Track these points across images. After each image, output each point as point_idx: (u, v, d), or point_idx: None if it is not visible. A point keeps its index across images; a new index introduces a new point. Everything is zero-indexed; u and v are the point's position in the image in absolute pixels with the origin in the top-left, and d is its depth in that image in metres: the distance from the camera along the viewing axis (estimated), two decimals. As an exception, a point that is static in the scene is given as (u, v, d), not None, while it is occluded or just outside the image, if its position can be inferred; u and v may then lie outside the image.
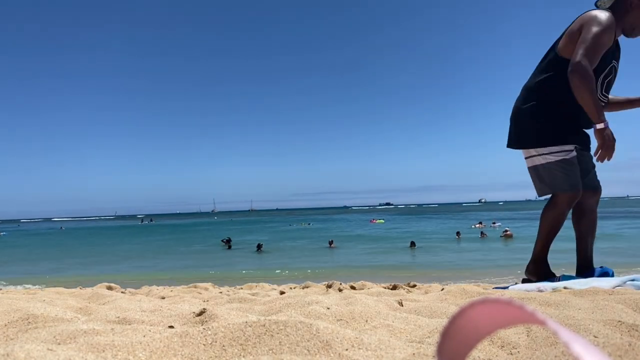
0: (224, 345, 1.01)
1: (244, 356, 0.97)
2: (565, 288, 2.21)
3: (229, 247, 17.35)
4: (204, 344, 1.01)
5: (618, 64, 2.49)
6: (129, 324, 1.33)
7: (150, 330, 1.13)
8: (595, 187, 2.69)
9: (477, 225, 22.74)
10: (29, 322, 1.34)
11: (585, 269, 2.68)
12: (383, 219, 38.55)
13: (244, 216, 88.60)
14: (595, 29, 2.25)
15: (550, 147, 2.48)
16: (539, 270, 2.64)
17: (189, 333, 1.04)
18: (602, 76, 2.42)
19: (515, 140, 2.64)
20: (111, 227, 54.69)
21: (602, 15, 2.30)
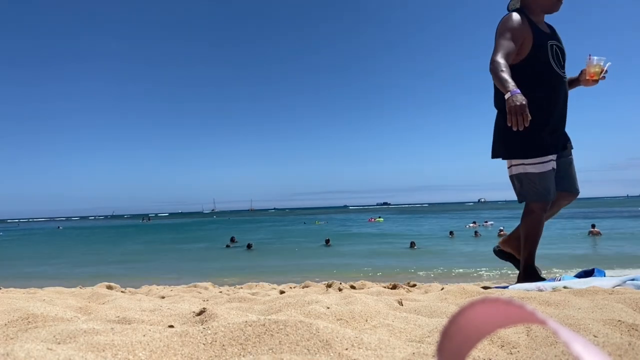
0: (223, 345, 1.01)
1: (243, 355, 0.97)
2: (565, 287, 2.21)
3: (227, 246, 17.42)
4: (203, 344, 1.01)
5: (559, 42, 2.69)
6: (129, 324, 1.33)
7: (150, 330, 1.13)
8: (571, 190, 2.79)
9: (471, 225, 22.99)
10: (29, 322, 1.34)
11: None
12: (382, 218, 38.58)
13: (244, 216, 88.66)
14: (501, 30, 2.60)
15: (530, 159, 2.57)
16: (530, 278, 2.68)
17: (189, 332, 1.04)
18: (550, 58, 2.61)
19: (497, 152, 2.75)
20: (110, 226, 54.69)
21: (507, 17, 2.64)
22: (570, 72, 2.79)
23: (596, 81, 2.71)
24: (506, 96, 2.34)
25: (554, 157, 2.60)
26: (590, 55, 2.68)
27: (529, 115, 2.27)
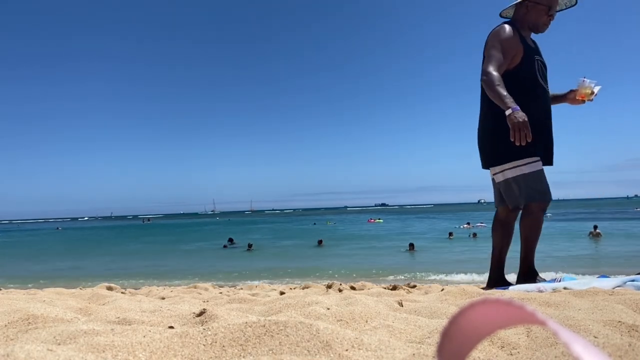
0: (224, 346, 1.01)
1: (244, 356, 0.97)
2: (565, 288, 2.21)
3: (225, 246, 17.42)
4: (204, 345, 1.01)
5: (541, 57, 2.77)
6: (129, 325, 1.33)
7: (150, 331, 1.13)
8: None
9: (465, 226, 23.15)
10: (29, 323, 1.34)
11: (499, 280, 2.81)
12: (381, 219, 38.69)
13: (245, 216, 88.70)
14: (493, 42, 2.63)
15: (523, 160, 2.60)
16: (529, 280, 2.70)
17: (189, 333, 1.04)
18: (536, 71, 2.68)
19: (489, 160, 2.78)
20: (109, 226, 54.71)
21: (499, 28, 2.66)
22: (555, 89, 2.92)
23: (584, 102, 2.86)
24: (507, 112, 2.41)
25: (539, 157, 2.63)
26: (584, 78, 2.82)
27: (530, 131, 2.38)
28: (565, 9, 2.81)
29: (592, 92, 2.82)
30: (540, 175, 2.60)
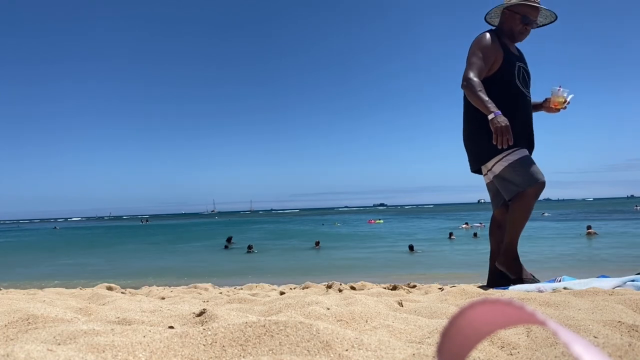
0: (224, 346, 1.01)
1: (244, 357, 0.97)
2: (565, 288, 2.21)
3: (226, 247, 17.38)
4: (204, 345, 1.01)
5: (525, 64, 2.87)
6: (129, 325, 1.33)
7: (150, 331, 1.13)
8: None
9: (464, 227, 23.09)
10: (29, 323, 1.34)
11: (496, 282, 2.84)
12: (382, 219, 38.68)
13: (244, 216, 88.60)
14: (474, 49, 2.74)
15: (508, 151, 2.67)
16: (510, 262, 2.71)
17: (189, 333, 1.04)
18: (516, 77, 2.77)
19: (476, 160, 2.85)
20: (108, 226, 54.68)
21: (481, 36, 2.79)
22: (536, 97, 3.01)
23: (558, 110, 2.96)
24: (490, 117, 2.52)
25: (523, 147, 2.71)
26: (560, 87, 2.91)
27: (512, 135, 2.49)
28: (547, 24, 2.91)
29: (565, 101, 2.91)
30: (528, 159, 2.67)
